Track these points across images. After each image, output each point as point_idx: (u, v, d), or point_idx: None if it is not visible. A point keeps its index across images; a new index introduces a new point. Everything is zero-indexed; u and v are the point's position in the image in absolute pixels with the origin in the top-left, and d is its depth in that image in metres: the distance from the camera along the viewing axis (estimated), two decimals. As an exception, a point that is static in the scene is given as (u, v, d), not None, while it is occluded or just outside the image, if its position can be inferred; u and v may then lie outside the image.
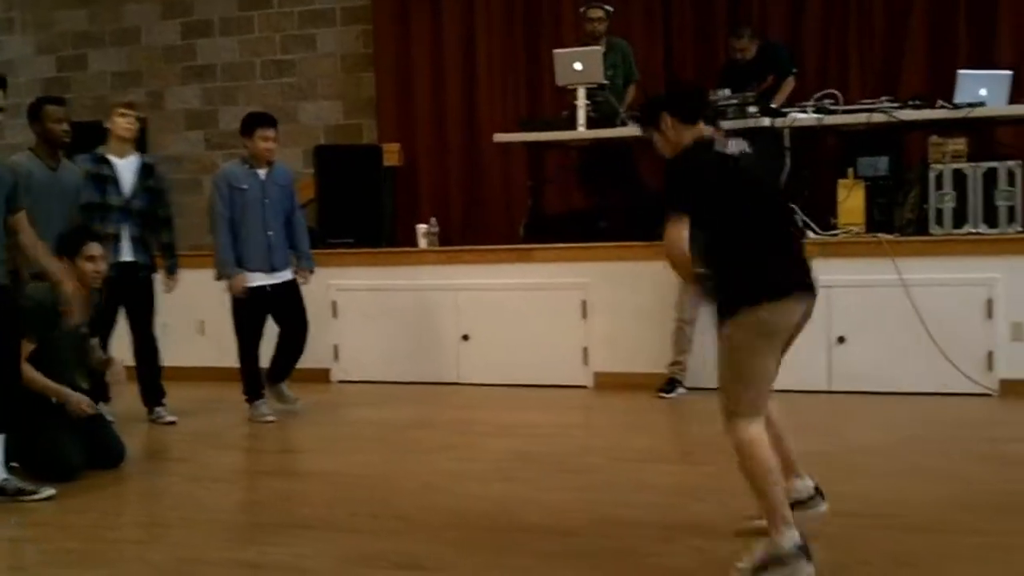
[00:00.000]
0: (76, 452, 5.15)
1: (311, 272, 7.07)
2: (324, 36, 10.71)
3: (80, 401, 5.28)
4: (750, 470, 3.47)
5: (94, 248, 5.44)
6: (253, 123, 6.79)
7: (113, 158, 6.67)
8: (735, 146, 3.87)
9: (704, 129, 3.84)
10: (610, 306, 7.69)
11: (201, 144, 11.14)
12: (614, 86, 8.39)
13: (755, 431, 3.47)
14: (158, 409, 6.83)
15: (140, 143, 7.39)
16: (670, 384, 7.24)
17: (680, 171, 3.75)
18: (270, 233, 6.76)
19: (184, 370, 8.37)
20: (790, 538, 3.36)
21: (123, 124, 6.70)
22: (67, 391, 5.28)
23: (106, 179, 6.60)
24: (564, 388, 7.70)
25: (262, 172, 6.77)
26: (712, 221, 3.62)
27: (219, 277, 6.75)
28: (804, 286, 3.62)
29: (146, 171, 6.79)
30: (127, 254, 6.60)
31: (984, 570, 3.42)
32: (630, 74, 8.66)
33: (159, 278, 6.93)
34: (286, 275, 6.89)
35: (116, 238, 6.53)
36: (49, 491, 4.80)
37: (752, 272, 3.56)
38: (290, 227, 6.92)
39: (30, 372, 5.08)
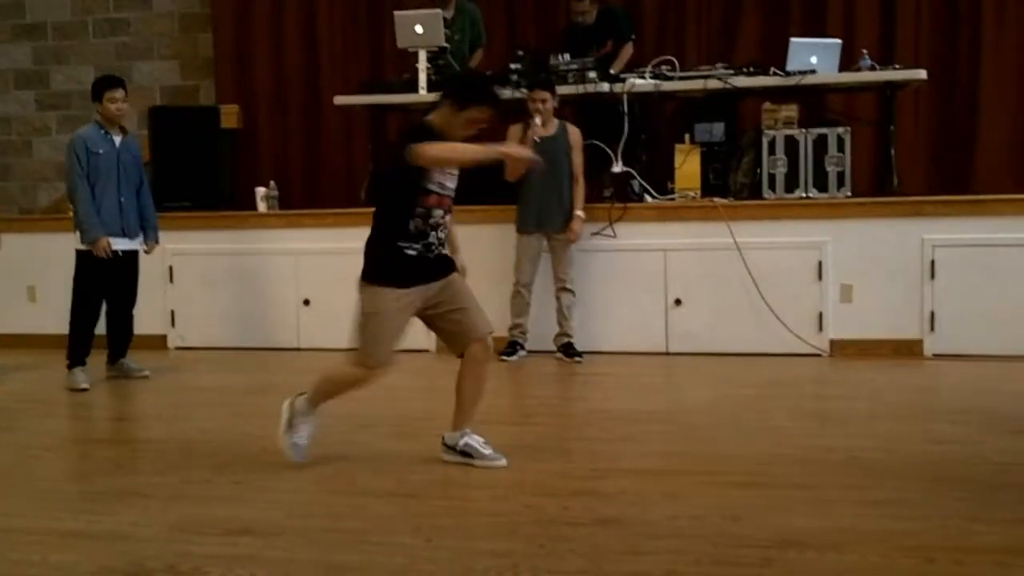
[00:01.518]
0: None
1: (157, 243, 7.08)
2: (160, -6, 10.40)
3: None
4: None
5: None
6: (100, 87, 6.76)
7: None
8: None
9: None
10: (453, 270, 7.66)
11: (32, 105, 10.75)
12: (460, 50, 8.37)
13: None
14: None
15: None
16: (511, 347, 7.30)
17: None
18: (123, 199, 6.78)
19: (14, 337, 8.10)
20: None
21: None
22: None
23: None
24: (407, 352, 7.64)
25: (117, 139, 6.78)
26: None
27: (84, 239, 6.61)
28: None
29: None
30: None
31: (807, 522, 3.53)
32: (477, 38, 8.65)
33: None
34: (135, 244, 6.91)
35: None
36: None
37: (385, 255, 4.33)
38: (139, 198, 6.93)
39: None
